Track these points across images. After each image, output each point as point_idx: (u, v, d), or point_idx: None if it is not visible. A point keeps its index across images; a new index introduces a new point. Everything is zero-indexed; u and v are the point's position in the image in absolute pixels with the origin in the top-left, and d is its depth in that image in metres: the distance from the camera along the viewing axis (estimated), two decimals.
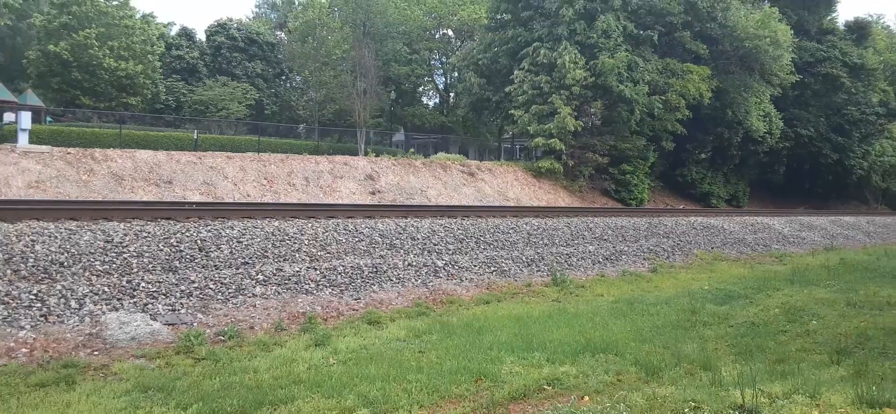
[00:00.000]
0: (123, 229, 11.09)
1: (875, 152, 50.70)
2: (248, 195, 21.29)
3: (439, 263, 13.62)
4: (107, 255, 10.03)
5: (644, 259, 18.06)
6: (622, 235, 19.78)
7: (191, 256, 10.79)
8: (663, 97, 33.58)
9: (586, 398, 5.87)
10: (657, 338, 8.92)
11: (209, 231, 11.96)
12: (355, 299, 11.09)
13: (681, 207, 36.09)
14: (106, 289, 9.09)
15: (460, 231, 15.92)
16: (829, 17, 48.96)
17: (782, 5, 42.20)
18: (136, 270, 9.87)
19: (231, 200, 19.95)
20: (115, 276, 9.53)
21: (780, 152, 44.85)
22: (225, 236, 11.89)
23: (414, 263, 13.23)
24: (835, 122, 46.37)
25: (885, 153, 52.65)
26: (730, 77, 37.00)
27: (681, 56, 35.45)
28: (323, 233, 13.36)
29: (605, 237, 19.07)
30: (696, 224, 24.10)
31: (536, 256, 15.76)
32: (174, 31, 50.18)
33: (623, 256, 17.76)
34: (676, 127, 34.95)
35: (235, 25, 49.74)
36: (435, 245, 14.56)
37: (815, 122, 45.73)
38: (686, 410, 5.03)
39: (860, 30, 50.88)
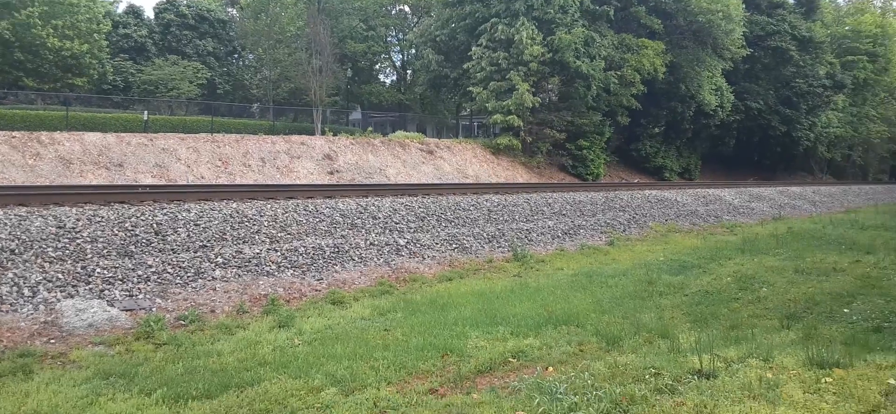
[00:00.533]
0: (76, 214, 10.79)
1: (821, 124, 52.41)
2: (203, 177, 20.89)
3: (401, 242, 13.64)
4: (59, 241, 9.75)
5: (601, 233, 18.39)
6: (580, 209, 20.08)
7: (147, 240, 10.58)
8: (619, 72, 34.03)
9: (551, 369, 5.99)
10: (616, 308, 9.14)
11: (165, 214, 11.72)
12: (318, 280, 11.04)
13: (636, 180, 36.78)
14: (60, 276, 8.85)
15: (421, 209, 15.94)
16: None
17: None
18: (90, 255, 9.63)
19: (185, 183, 19.55)
20: (69, 262, 9.28)
21: (730, 125, 45.98)
22: (182, 219, 11.67)
23: (376, 242, 13.22)
24: (783, 95, 47.70)
25: (831, 125, 54.48)
26: (683, 52, 37.68)
27: (636, 31, 35.92)
28: (282, 214, 13.23)
29: (564, 212, 19.33)
30: (651, 197, 24.62)
31: (497, 233, 15.90)
32: (121, 8, 48.40)
33: (581, 230, 18.05)
34: (631, 102, 35.49)
35: (185, 2, 48.29)
36: (396, 224, 14.57)
37: (765, 95, 46.98)
38: (647, 377, 5.19)
39: (809, 3, 52.32)
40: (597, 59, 32.54)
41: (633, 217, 21.01)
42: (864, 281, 10.59)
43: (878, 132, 64.07)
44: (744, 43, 40.42)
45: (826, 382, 4.81)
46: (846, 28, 61.81)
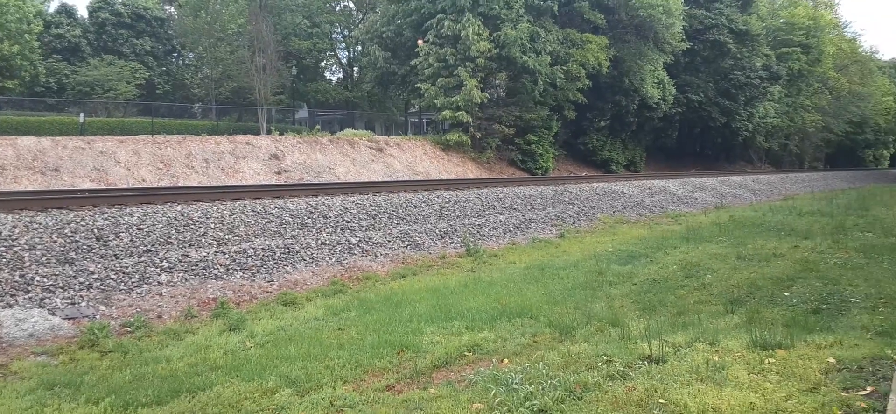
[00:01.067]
0: (11, 221, 10.34)
1: (759, 114, 54.22)
2: (144, 180, 20.29)
3: (353, 240, 13.54)
4: None
5: (552, 226, 18.64)
6: (530, 203, 20.31)
7: (88, 246, 10.22)
8: (564, 67, 34.50)
9: (506, 361, 6.05)
10: (568, 299, 9.28)
11: (106, 219, 11.35)
12: (268, 282, 10.87)
13: (584, 174, 37.40)
14: None
15: (372, 207, 15.86)
16: None
17: None
18: (28, 263, 9.24)
19: (126, 186, 18.95)
20: (6, 271, 8.89)
21: (673, 118, 47.16)
22: (124, 224, 11.32)
23: (327, 242, 13.09)
24: (722, 87, 49.18)
25: (768, 115, 56.43)
26: (626, 46, 38.45)
27: (580, 26, 36.47)
28: (230, 215, 12.97)
29: (515, 206, 19.52)
30: (599, 190, 25.07)
31: (449, 228, 15.94)
32: (53, 7, 46.49)
33: (532, 224, 18.26)
34: (578, 96, 36.03)
35: (120, 0, 46.78)
36: (347, 222, 14.45)
37: (705, 87, 48.34)
38: (599, 364, 5.29)
39: None
40: (543, 54, 32.93)
41: (582, 209, 21.37)
42: (802, 265, 11.00)
43: (813, 122, 66.69)
44: (684, 36, 41.51)
45: (769, 362, 4.99)
46: (780, 21, 64.02)
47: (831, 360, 4.98)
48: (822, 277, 9.75)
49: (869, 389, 4.33)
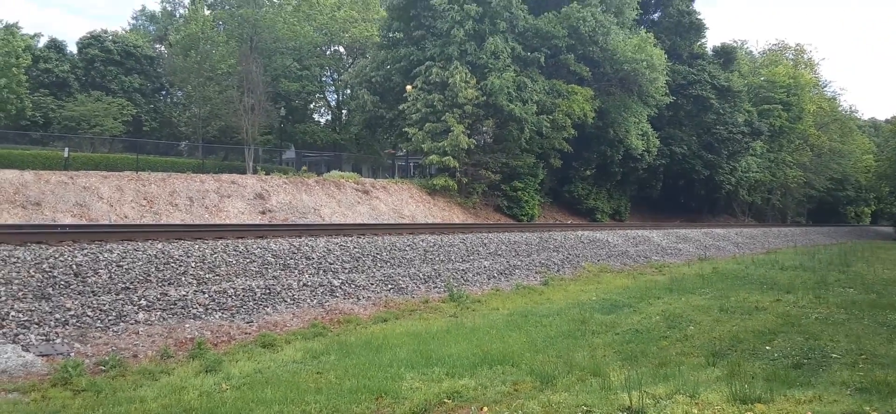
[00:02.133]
0: None
1: (741, 168, 55.01)
2: (127, 217, 20.10)
3: (335, 283, 13.43)
4: None
5: (536, 273, 18.63)
6: (515, 249, 20.32)
7: (65, 282, 10.05)
8: (550, 116, 34.92)
9: (485, 409, 5.97)
10: (550, 347, 9.22)
11: (85, 255, 11.20)
12: (248, 322, 10.72)
13: (569, 221, 37.55)
14: None
15: (356, 249, 15.79)
16: (698, 43, 52.77)
17: (657, 31, 45.20)
18: (4, 298, 9.06)
19: (108, 223, 18.76)
20: None
21: (657, 169, 47.70)
22: (103, 260, 11.16)
23: (309, 283, 12.97)
24: (705, 141, 49.95)
25: (751, 169, 57.28)
26: (611, 98, 39.04)
27: (566, 77, 37.05)
28: (211, 254, 12.84)
29: (499, 252, 19.51)
30: (584, 238, 25.16)
31: (433, 273, 15.88)
32: (42, 42, 46.66)
33: (516, 270, 18.24)
34: (563, 145, 36.40)
35: (111, 37, 46.99)
36: (330, 264, 14.36)
37: (688, 140, 49.08)
38: None
39: (726, 55, 55.29)
40: (529, 102, 33.34)
41: (567, 257, 21.40)
42: (784, 319, 11.05)
43: (795, 177, 67.74)
44: (667, 91, 42.24)
45: None
46: (762, 79, 65.50)
47: None
48: (804, 331, 9.79)
49: None
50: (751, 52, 75.29)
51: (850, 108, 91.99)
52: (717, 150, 50.35)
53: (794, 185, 69.53)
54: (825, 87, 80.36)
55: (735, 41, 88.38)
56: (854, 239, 54.46)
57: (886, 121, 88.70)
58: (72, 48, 47.35)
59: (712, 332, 10.12)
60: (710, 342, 9.29)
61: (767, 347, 8.74)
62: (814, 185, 72.03)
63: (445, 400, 6.47)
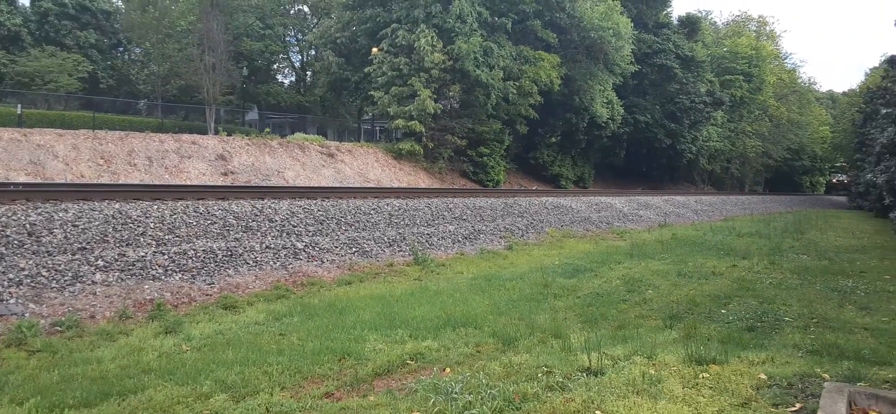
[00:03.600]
0: None
1: (702, 138, 55.94)
2: (83, 176, 19.59)
3: (299, 245, 13.33)
4: None
5: (501, 237, 18.75)
6: (480, 214, 20.39)
7: (19, 241, 9.77)
8: (517, 83, 34.90)
9: (448, 370, 6.02)
10: (513, 310, 9.32)
11: (39, 214, 10.88)
12: (209, 284, 10.59)
13: (534, 187, 37.81)
14: None
15: (321, 212, 15.66)
16: (664, 12, 53.12)
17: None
18: None
19: (63, 181, 18.25)
20: None
21: (621, 137, 48.20)
22: (58, 220, 10.86)
23: (272, 246, 12.84)
24: (668, 110, 50.57)
25: (711, 139, 58.27)
26: (577, 65, 39.15)
27: (533, 44, 36.99)
28: (170, 215, 12.60)
29: (465, 217, 19.57)
30: (548, 204, 25.36)
31: (398, 237, 15.86)
32: None
33: (481, 235, 18.33)
34: (529, 112, 36.48)
35: None
36: (294, 227, 14.22)
37: (652, 109, 49.63)
38: (539, 375, 5.32)
39: (691, 25, 55.78)
40: (496, 68, 33.24)
41: (531, 223, 21.56)
42: (739, 284, 11.36)
43: (753, 147, 69.18)
44: (633, 59, 42.55)
45: (703, 377, 5.10)
46: (725, 49, 66.35)
47: (763, 376, 5.12)
48: (758, 295, 10.08)
49: (798, 405, 4.46)
50: (715, 22, 76.17)
51: (809, 80, 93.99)
52: (680, 119, 51.04)
53: (752, 155, 71.05)
54: (786, 58, 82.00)
55: (700, 11, 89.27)
56: (809, 207, 56.02)
57: (843, 93, 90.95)
58: (24, 0, 45.47)
59: (670, 296, 10.35)
60: (668, 306, 9.50)
61: (723, 311, 8.98)
62: (772, 154, 73.72)
63: (408, 361, 6.51)
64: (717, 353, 5.71)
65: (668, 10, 54.16)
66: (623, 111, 44.82)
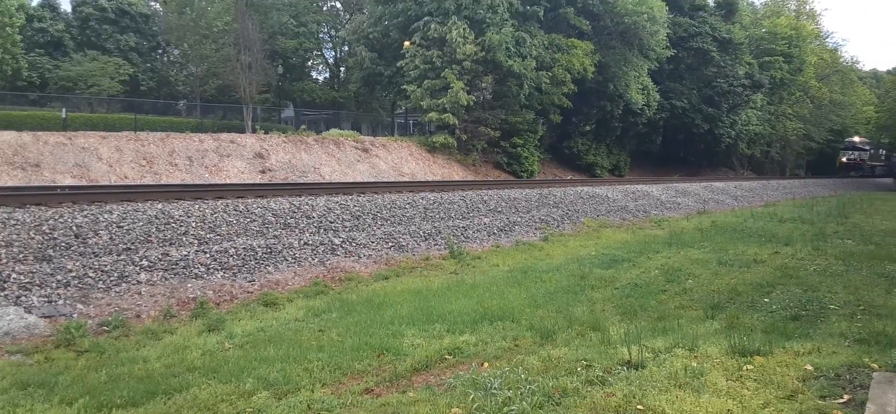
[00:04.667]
0: None
1: (741, 122, 54.71)
2: (126, 177, 20.08)
3: (336, 241, 13.47)
4: None
5: (536, 229, 18.67)
6: (515, 206, 20.33)
7: (66, 243, 10.08)
8: (550, 72, 34.61)
9: (486, 364, 6.04)
10: (550, 303, 9.28)
11: (85, 216, 11.20)
12: (249, 282, 10.78)
13: (568, 177, 37.53)
14: None
15: (357, 208, 15.79)
16: None
17: None
18: (5, 260, 9.09)
19: (107, 183, 18.74)
20: None
21: (657, 123, 47.45)
22: (103, 221, 11.17)
23: (310, 242, 13.01)
24: (706, 94, 49.58)
25: (750, 122, 56.95)
26: (611, 52, 38.63)
27: (566, 32, 36.61)
28: (211, 214, 12.85)
29: (499, 209, 19.53)
30: (583, 194, 25.15)
31: (433, 230, 15.91)
32: (36, 1, 46.00)
33: (516, 227, 18.28)
34: (563, 100, 36.16)
35: None
36: (331, 223, 14.38)
37: (689, 94, 48.70)
38: (578, 369, 5.30)
39: (728, 6, 54.46)
40: (528, 58, 33.01)
41: (567, 213, 21.42)
42: (782, 271, 11.10)
43: (794, 129, 67.42)
44: (668, 44, 41.78)
45: (747, 369, 5.02)
46: (763, 30, 64.71)
47: (809, 367, 5.02)
48: (802, 283, 9.84)
49: (846, 397, 4.36)
50: (752, 3, 74.31)
51: (852, 59, 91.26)
52: (718, 103, 50.00)
53: (793, 138, 69.27)
54: (827, 38, 79.65)
55: None
56: (852, 191, 54.45)
57: (888, 72, 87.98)
58: (66, 7, 46.72)
59: (711, 285, 10.17)
60: (709, 295, 9.34)
61: (766, 300, 8.79)
62: (813, 137, 71.77)
63: (446, 356, 6.54)
64: (761, 343, 5.61)
65: None
66: (659, 97, 44.10)
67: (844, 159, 73.09)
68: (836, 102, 74.29)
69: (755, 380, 4.76)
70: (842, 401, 4.29)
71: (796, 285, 9.69)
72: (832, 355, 5.37)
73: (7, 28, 35.08)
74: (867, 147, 74.20)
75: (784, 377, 4.77)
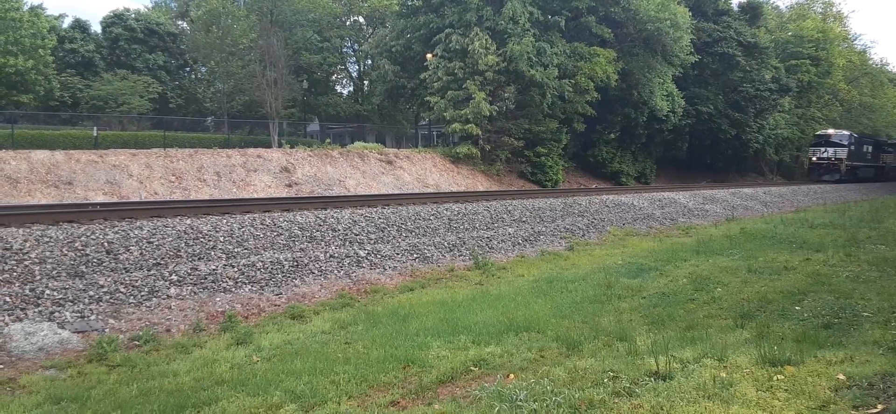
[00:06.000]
0: (23, 235, 10.43)
1: (769, 126, 53.87)
2: (156, 193, 20.44)
3: (361, 253, 13.55)
4: (6, 263, 9.41)
5: (561, 238, 18.58)
6: (540, 215, 20.26)
7: (98, 259, 10.28)
8: (573, 80, 34.52)
9: (512, 376, 6.02)
10: (576, 313, 9.22)
11: (116, 233, 11.42)
12: (277, 294, 10.89)
13: (593, 186, 37.30)
14: (7, 299, 8.54)
15: (381, 220, 15.88)
16: None
17: None
18: (39, 277, 9.31)
19: (138, 199, 19.10)
20: (17, 285, 8.96)
21: (682, 130, 46.98)
22: (134, 237, 11.38)
23: (336, 255, 13.10)
24: (732, 99, 48.99)
25: (778, 127, 56.06)
26: (634, 59, 38.41)
27: (588, 40, 36.50)
28: (239, 228, 13.02)
29: (524, 219, 19.48)
30: (609, 202, 24.98)
31: (458, 241, 15.92)
32: (67, 23, 47.17)
33: (541, 237, 18.21)
34: (586, 109, 36.03)
35: (133, 15, 47.30)
36: (356, 235, 14.47)
37: (714, 99, 48.17)
38: (605, 380, 5.25)
39: (752, 10, 53.90)
40: (550, 67, 32.97)
41: (592, 222, 21.29)
42: (814, 278, 10.90)
43: None
44: (692, 49, 41.40)
45: (778, 379, 4.94)
46: (789, 34, 63.85)
47: (842, 376, 4.92)
48: (834, 290, 9.65)
49: (880, 406, 4.27)
50: (777, 6, 73.44)
51: (881, 60, 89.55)
52: (744, 108, 49.37)
53: None
54: (855, 40, 78.27)
55: None
56: (886, 194, 53.26)
57: None
58: (96, 27, 47.83)
59: (740, 293, 10.02)
60: (738, 304, 9.20)
61: (797, 308, 8.64)
62: None
63: (472, 368, 6.53)
64: (792, 353, 5.51)
65: None
66: (684, 103, 43.71)
67: (814, 159, 54.89)
68: (866, 105, 72.89)
69: (786, 390, 4.68)
70: (875, 410, 4.20)
71: (828, 292, 9.51)
72: (865, 364, 5.25)
73: (39, 50, 36.04)
74: (846, 142, 54.13)
75: (816, 387, 4.68)
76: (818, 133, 56.33)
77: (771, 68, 52.46)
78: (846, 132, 55.22)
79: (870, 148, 59.05)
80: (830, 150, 53.75)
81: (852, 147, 54.63)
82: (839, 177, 52.97)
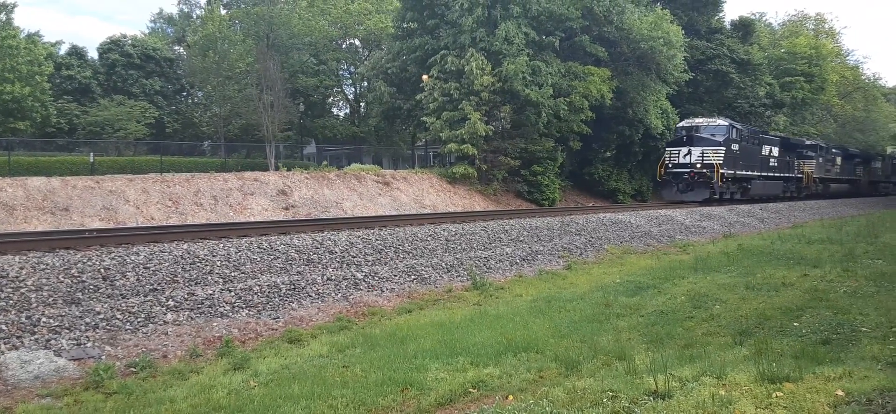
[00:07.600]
0: (19, 262, 10.40)
1: None
2: (153, 218, 20.41)
3: (359, 275, 13.53)
4: (2, 291, 9.37)
5: (559, 257, 18.57)
6: (537, 235, 20.26)
7: (94, 286, 10.25)
8: (568, 99, 34.68)
9: (511, 397, 6.00)
10: (574, 333, 9.20)
11: (113, 259, 11.39)
12: (274, 318, 10.84)
13: (590, 204, 37.34)
14: (3, 327, 8.49)
15: (378, 241, 15.86)
16: (716, 17, 51.91)
17: (673, 7, 44.51)
18: (35, 304, 9.27)
19: (134, 225, 19.07)
20: (13, 313, 8.92)
21: None
22: (130, 263, 11.35)
23: (333, 277, 13.08)
24: (727, 116, 49.25)
25: None
26: (629, 77, 38.63)
27: (582, 59, 36.73)
28: (236, 252, 12.99)
29: (521, 238, 19.48)
30: (606, 220, 24.99)
31: (455, 262, 15.91)
32: (63, 49, 47.37)
33: (539, 256, 18.20)
34: (582, 127, 36.16)
35: (130, 42, 47.50)
36: (353, 257, 14.45)
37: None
38: (604, 400, 5.24)
39: (745, 28, 54.35)
40: (545, 86, 33.13)
41: (590, 240, 21.29)
42: (812, 294, 10.91)
43: None
44: (686, 67, 41.66)
45: (777, 396, 4.93)
46: (782, 50, 64.35)
47: (840, 393, 4.92)
48: (832, 306, 9.66)
49: None
50: (770, 24, 74.11)
51: (874, 75, 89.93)
52: None
53: None
54: (848, 55, 78.80)
55: (753, 14, 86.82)
56: (881, 209, 53.37)
57: None
58: (93, 54, 48.02)
59: (738, 310, 10.02)
60: (737, 321, 9.20)
61: (795, 324, 8.64)
62: None
63: (470, 389, 6.51)
64: (791, 369, 5.51)
65: (721, 14, 53.01)
66: (679, 120, 43.92)
67: (670, 166, 35.54)
68: (860, 120, 73.34)
69: (785, 407, 4.67)
70: None
71: (826, 308, 9.51)
72: (864, 380, 5.25)
73: (36, 77, 36.15)
74: (723, 137, 34.31)
75: (815, 404, 4.68)
76: (679, 125, 37.87)
77: (765, 85, 52.83)
78: (725, 122, 35.38)
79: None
80: (695, 152, 33.91)
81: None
82: (711, 194, 34.44)
